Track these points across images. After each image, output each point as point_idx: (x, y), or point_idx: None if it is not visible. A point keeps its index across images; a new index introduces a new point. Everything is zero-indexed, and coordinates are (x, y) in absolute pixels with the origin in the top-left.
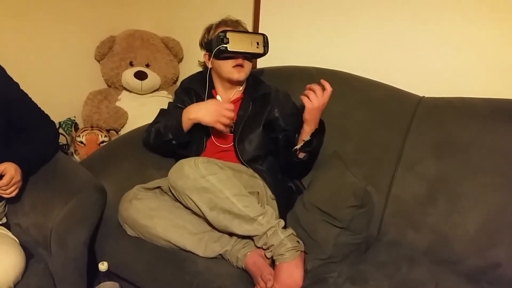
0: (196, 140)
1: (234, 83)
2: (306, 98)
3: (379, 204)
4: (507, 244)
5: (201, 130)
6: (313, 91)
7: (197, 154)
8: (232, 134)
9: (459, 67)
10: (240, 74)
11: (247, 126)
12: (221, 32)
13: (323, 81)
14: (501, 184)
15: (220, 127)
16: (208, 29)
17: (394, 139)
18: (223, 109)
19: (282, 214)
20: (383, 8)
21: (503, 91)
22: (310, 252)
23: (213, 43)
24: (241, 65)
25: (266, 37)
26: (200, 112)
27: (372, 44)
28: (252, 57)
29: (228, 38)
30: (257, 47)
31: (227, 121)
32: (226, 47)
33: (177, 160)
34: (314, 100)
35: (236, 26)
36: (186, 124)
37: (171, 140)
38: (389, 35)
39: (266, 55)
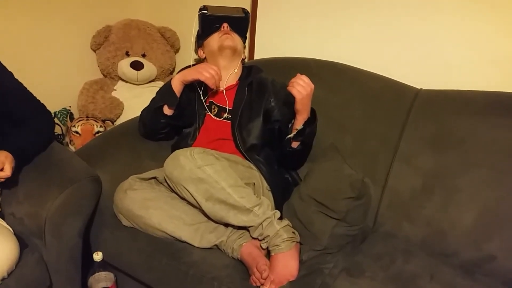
0: (189, 124)
1: (226, 58)
2: (294, 89)
3: (375, 196)
4: (502, 237)
5: (195, 117)
6: (297, 81)
7: (191, 141)
8: (230, 122)
9: (457, 60)
10: (228, 40)
11: (245, 114)
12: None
13: (298, 74)
14: (497, 178)
15: (202, 77)
16: (200, 8)
17: (391, 131)
18: (207, 66)
19: (278, 205)
20: (382, 1)
21: (501, 84)
22: (306, 243)
23: (198, 23)
24: (227, 33)
25: (246, 9)
26: (184, 71)
27: (371, 36)
28: (234, 25)
29: (207, 7)
30: (237, 13)
31: (208, 74)
32: (206, 12)
33: (173, 150)
34: (302, 89)
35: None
36: (175, 85)
37: (162, 107)
38: (387, 27)
39: (264, 47)
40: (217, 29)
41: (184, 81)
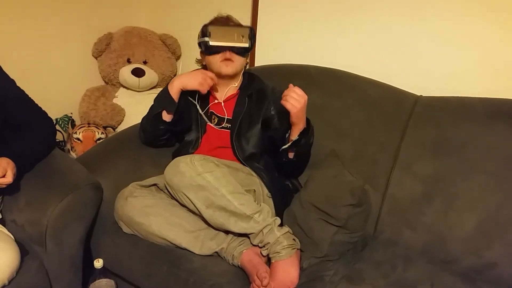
0: (189, 130)
1: (225, 78)
2: (288, 103)
3: (375, 203)
4: (503, 244)
5: (197, 126)
6: (291, 94)
7: (192, 149)
8: (229, 131)
9: (456, 67)
10: (228, 68)
11: (244, 123)
12: (204, 26)
13: (290, 86)
14: (497, 184)
15: (204, 89)
16: (202, 28)
17: (391, 138)
18: (206, 74)
19: (279, 212)
20: (382, 7)
21: (500, 91)
22: (306, 250)
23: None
24: (229, 59)
25: (253, 29)
26: (184, 78)
27: (370, 42)
28: (238, 50)
29: (210, 32)
30: (242, 40)
31: (211, 84)
32: (207, 41)
33: (173, 158)
34: (296, 102)
35: (225, 21)
36: (173, 92)
37: (160, 113)
38: (387, 34)
39: (265, 54)
40: (219, 51)
41: (181, 87)
